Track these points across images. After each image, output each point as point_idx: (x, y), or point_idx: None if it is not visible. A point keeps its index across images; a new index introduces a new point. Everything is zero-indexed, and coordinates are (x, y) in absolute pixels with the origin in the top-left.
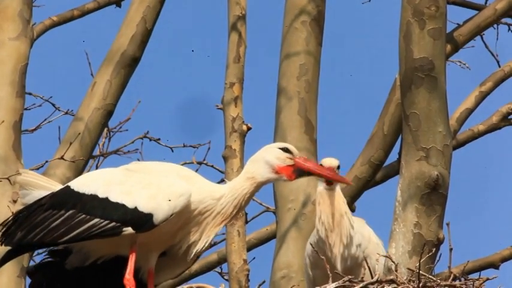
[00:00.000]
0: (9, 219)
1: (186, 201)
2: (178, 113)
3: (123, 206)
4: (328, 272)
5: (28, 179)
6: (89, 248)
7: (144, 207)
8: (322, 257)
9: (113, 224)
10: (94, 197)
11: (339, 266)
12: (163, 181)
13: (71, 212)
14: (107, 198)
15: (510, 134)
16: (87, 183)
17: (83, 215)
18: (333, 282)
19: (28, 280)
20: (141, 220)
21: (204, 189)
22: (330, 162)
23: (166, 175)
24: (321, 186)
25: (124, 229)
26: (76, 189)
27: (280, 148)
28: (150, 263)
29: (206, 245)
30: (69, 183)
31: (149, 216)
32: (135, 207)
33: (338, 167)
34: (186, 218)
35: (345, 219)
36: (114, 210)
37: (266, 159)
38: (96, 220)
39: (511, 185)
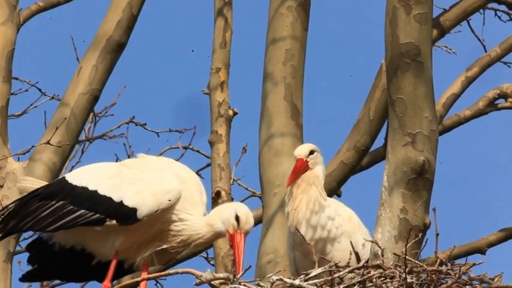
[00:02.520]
0: (4, 209)
1: (173, 199)
2: (164, 98)
3: (110, 199)
4: (313, 254)
5: (27, 185)
6: (74, 242)
7: (129, 202)
8: (301, 235)
9: (98, 215)
10: (84, 189)
11: (304, 232)
12: (155, 177)
13: (61, 202)
14: (95, 191)
15: (496, 119)
16: (81, 176)
17: (71, 206)
18: (318, 267)
19: (16, 266)
20: (126, 214)
21: (184, 204)
22: (298, 151)
23: (161, 172)
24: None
25: (108, 221)
26: (70, 180)
27: (236, 214)
28: (137, 256)
29: (145, 257)
30: (65, 175)
31: (133, 210)
32: (121, 201)
33: (312, 152)
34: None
35: (313, 188)
36: (100, 203)
37: (225, 215)
38: (82, 211)
39: (498, 170)
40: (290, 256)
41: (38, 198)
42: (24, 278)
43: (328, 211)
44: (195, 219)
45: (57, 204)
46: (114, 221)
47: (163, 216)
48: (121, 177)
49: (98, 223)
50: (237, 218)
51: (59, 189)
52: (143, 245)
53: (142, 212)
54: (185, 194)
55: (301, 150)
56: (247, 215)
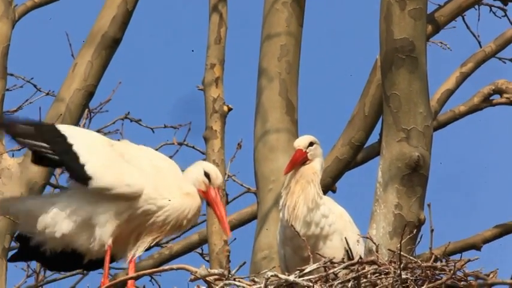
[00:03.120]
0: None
1: (126, 192)
2: (158, 94)
3: (78, 158)
4: (304, 250)
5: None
6: (64, 246)
7: (89, 168)
8: (293, 227)
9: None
10: (67, 144)
11: (298, 228)
12: (125, 166)
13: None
14: (73, 148)
15: (491, 115)
16: (73, 135)
17: (51, 151)
18: (307, 263)
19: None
20: (81, 174)
21: (159, 190)
22: (297, 142)
23: (139, 161)
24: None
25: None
26: (62, 131)
27: (204, 170)
28: (128, 250)
29: (139, 251)
30: (59, 127)
31: (89, 177)
32: (84, 164)
33: (311, 144)
34: (131, 214)
35: (311, 186)
36: (72, 158)
37: (193, 175)
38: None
39: (493, 165)
40: (280, 252)
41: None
42: (15, 258)
43: (322, 209)
44: (172, 200)
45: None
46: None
47: (140, 208)
48: (100, 153)
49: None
50: (207, 175)
51: (51, 134)
52: (132, 238)
53: (95, 182)
54: (159, 183)
55: (301, 141)
56: (215, 169)
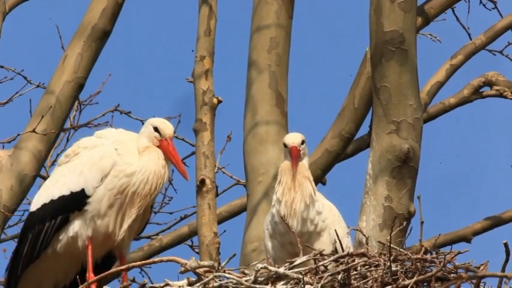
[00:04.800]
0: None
1: (108, 162)
2: (148, 86)
3: (61, 197)
4: (294, 245)
5: None
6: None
7: (75, 187)
8: (286, 224)
9: (60, 217)
10: (41, 207)
11: (295, 225)
12: (90, 155)
13: (31, 232)
14: (49, 201)
15: (481, 107)
16: (35, 200)
17: (38, 227)
18: (294, 257)
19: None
20: (78, 199)
21: (124, 160)
22: (292, 139)
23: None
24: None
25: (71, 215)
26: (30, 210)
27: (153, 126)
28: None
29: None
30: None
31: (82, 191)
32: (70, 192)
33: (303, 142)
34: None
35: (308, 182)
36: (56, 207)
37: (145, 134)
38: (47, 224)
39: (483, 158)
40: (267, 245)
41: (16, 248)
42: None
43: (317, 205)
44: (136, 162)
45: (30, 236)
46: (76, 211)
47: (119, 182)
48: (62, 173)
49: (65, 222)
50: (156, 129)
51: (25, 226)
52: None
53: (89, 187)
54: (123, 151)
55: (296, 139)
56: (162, 121)
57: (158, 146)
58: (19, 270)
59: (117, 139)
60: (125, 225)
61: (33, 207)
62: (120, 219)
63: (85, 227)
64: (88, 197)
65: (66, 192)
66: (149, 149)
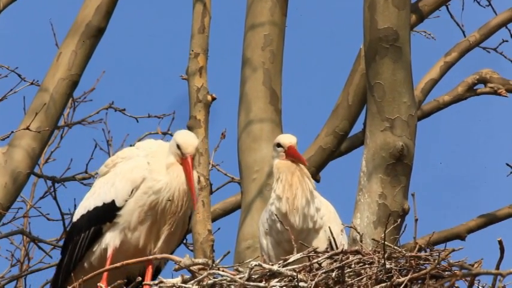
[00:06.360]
0: None
1: (138, 175)
2: (142, 83)
3: (95, 208)
4: (289, 242)
5: None
6: None
7: (107, 198)
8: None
9: (92, 229)
10: (78, 219)
11: (297, 222)
12: (124, 167)
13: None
14: (86, 213)
15: (475, 105)
16: (77, 212)
17: (75, 237)
18: (289, 254)
19: None
20: (109, 210)
21: (153, 176)
22: (289, 139)
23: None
24: (278, 159)
25: (103, 226)
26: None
27: (176, 142)
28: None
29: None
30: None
31: (112, 202)
32: (103, 203)
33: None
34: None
35: (306, 179)
36: (89, 218)
37: (171, 149)
38: (82, 235)
39: (477, 155)
40: (262, 243)
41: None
42: None
43: (316, 202)
44: (163, 179)
45: (70, 246)
46: (108, 223)
47: (148, 199)
48: (99, 184)
49: (98, 234)
50: (178, 146)
51: (66, 237)
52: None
53: (120, 198)
54: (154, 166)
55: (292, 139)
56: (185, 138)
57: (180, 164)
58: (59, 282)
59: (151, 151)
60: (160, 242)
61: (74, 217)
62: (155, 235)
63: (114, 239)
64: (119, 208)
65: (100, 203)
66: (173, 167)
